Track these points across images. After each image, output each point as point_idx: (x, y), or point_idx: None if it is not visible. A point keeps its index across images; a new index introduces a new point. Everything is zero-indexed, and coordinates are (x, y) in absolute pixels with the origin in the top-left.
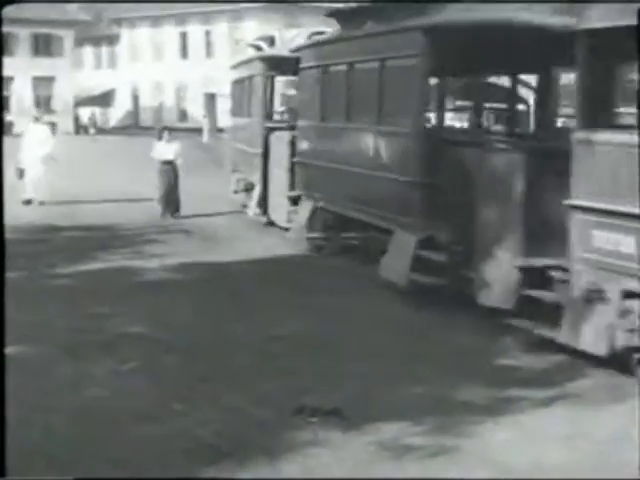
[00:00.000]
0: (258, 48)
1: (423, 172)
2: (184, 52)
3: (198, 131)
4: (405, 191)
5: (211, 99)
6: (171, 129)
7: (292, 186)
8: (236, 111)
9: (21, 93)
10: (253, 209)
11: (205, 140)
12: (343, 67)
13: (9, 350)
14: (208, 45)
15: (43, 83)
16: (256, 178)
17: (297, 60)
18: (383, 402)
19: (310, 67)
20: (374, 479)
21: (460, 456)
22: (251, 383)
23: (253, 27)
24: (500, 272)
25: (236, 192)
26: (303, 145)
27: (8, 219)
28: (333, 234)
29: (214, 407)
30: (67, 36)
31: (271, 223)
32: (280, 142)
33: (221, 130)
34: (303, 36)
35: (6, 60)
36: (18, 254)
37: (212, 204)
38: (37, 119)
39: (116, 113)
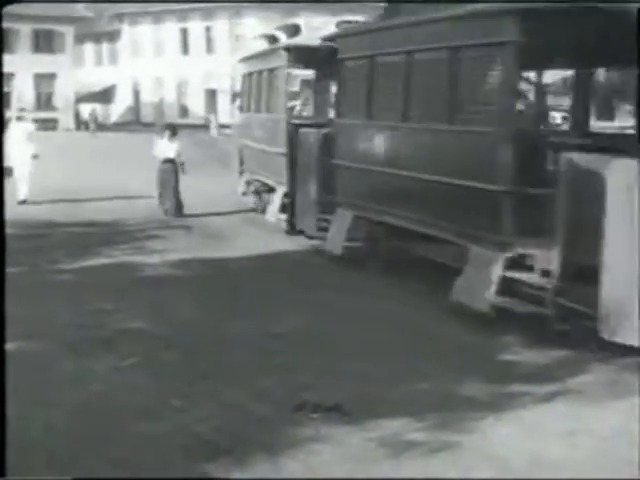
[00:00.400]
0: (274, 38)
1: (516, 180)
2: (185, 48)
3: (199, 127)
4: (490, 201)
5: (212, 95)
6: (175, 126)
7: (324, 191)
8: (248, 107)
9: (22, 90)
10: (274, 214)
11: (213, 135)
12: (399, 57)
13: (9, 346)
14: (209, 41)
15: (44, 80)
16: (277, 180)
17: (330, 50)
18: (385, 398)
19: (354, 58)
20: (375, 479)
21: (461, 452)
22: (251, 379)
23: (253, 23)
24: (634, 303)
25: (245, 194)
26: (343, 146)
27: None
28: (379, 247)
29: (214, 403)
30: (68, 32)
31: (297, 231)
32: (311, 141)
33: (223, 126)
34: (333, 24)
35: (7, 57)
36: (17, 250)
37: (219, 205)
38: (19, 118)
39: (117, 109)
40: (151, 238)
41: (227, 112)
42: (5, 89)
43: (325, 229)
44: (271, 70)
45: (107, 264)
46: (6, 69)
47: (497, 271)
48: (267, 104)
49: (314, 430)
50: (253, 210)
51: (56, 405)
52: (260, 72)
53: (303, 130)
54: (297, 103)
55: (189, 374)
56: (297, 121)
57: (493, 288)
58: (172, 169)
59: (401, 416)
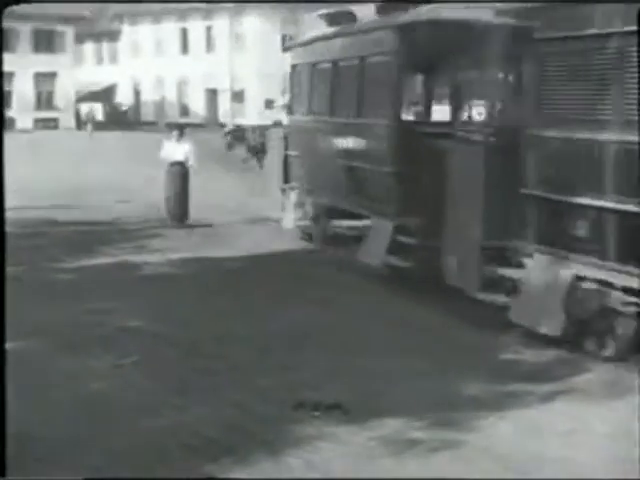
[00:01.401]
0: (342, 16)
1: None
2: (185, 48)
3: (200, 126)
4: None
5: (213, 95)
6: (183, 126)
7: (495, 232)
8: (310, 108)
9: (22, 89)
10: (378, 256)
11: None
12: None
13: (9, 345)
14: (209, 40)
15: (45, 79)
16: (376, 209)
17: (514, 31)
18: (386, 396)
19: (572, 38)
20: (376, 479)
21: (463, 450)
22: (252, 377)
23: (254, 23)
24: None
25: (300, 220)
26: (550, 170)
27: None
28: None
29: (214, 401)
30: (68, 32)
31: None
32: (467, 160)
33: (223, 125)
34: None
35: (7, 56)
36: (16, 248)
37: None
38: None
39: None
40: (152, 237)
41: (227, 112)
42: (5, 88)
43: (493, 286)
44: (362, 58)
45: (107, 263)
46: (6, 68)
47: None
48: (358, 105)
49: (315, 428)
50: (305, 239)
51: (56, 403)
52: (336, 62)
53: (456, 146)
54: None
55: (189, 372)
56: (429, 129)
57: None
58: (181, 172)
59: (402, 414)
